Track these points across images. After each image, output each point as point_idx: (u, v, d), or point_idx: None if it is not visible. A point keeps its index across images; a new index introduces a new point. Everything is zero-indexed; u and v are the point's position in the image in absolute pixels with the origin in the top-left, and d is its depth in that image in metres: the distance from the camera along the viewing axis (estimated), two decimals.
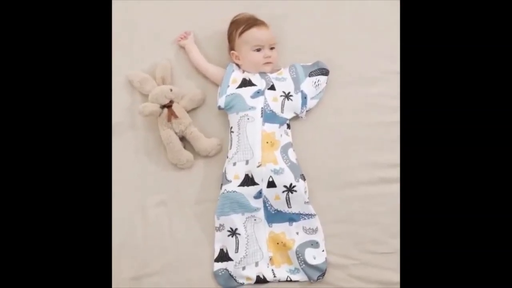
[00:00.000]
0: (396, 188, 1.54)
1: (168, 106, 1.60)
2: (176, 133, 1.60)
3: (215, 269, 1.53)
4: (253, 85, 1.60)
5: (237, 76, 1.62)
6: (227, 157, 1.57)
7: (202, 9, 1.76)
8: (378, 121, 1.63)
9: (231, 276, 1.51)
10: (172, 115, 1.59)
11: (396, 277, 1.49)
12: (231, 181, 1.53)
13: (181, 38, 1.72)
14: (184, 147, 1.62)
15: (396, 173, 1.56)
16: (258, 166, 1.50)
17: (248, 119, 1.55)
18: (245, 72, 1.64)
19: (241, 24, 1.62)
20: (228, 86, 1.60)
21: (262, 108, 1.56)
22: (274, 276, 1.51)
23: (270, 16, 1.68)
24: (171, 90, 1.61)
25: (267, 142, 1.53)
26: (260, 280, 1.51)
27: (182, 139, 1.63)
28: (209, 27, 1.74)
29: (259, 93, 1.58)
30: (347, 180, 1.59)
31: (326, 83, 1.65)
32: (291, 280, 1.51)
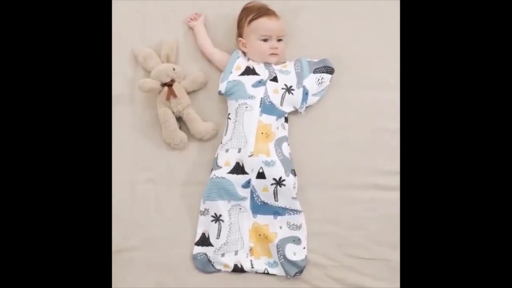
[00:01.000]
0: (388, 195, 1.54)
1: (169, 84, 1.60)
2: (173, 112, 1.60)
3: (195, 252, 1.53)
4: (256, 74, 1.59)
5: (241, 63, 1.61)
6: (221, 143, 1.57)
7: None
8: (378, 127, 1.61)
9: (209, 261, 1.52)
10: (171, 94, 1.59)
11: (374, 283, 1.49)
12: (221, 167, 1.53)
13: (191, 19, 1.71)
14: (180, 128, 1.62)
15: (390, 181, 1.55)
16: (250, 156, 1.50)
17: (246, 107, 1.54)
18: (250, 61, 1.63)
19: (252, 12, 1.61)
20: (231, 72, 1.59)
21: (261, 98, 1.55)
22: (252, 267, 1.51)
23: (283, 7, 1.66)
24: (173, 69, 1.61)
25: (262, 133, 1.53)
26: (238, 269, 1.51)
27: (179, 119, 1.63)
28: (221, 11, 1.72)
29: (260, 83, 1.57)
30: (340, 181, 1.59)
31: (330, 81, 1.63)
32: (268, 273, 1.51)
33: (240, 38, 1.63)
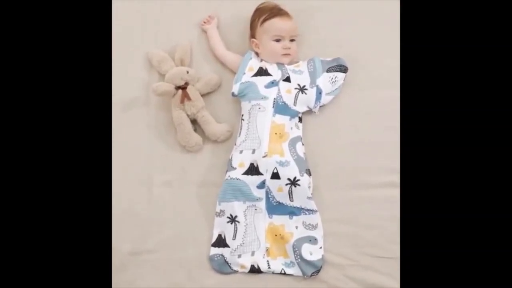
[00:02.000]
0: None
1: (183, 87, 1.61)
2: (187, 115, 1.61)
3: (211, 253, 1.54)
4: (269, 75, 1.59)
5: (254, 64, 1.62)
6: (235, 144, 1.58)
7: None
8: (392, 125, 1.59)
9: (226, 262, 1.52)
10: (185, 97, 1.60)
11: (392, 283, 1.48)
12: (236, 168, 1.53)
13: (204, 22, 1.72)
14: (195, 130, 1.63)
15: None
16: (264, 157, 1.50)
17: (259, 108, 1.55)
18: (263, 61, 1.63)
19: (265, 13, 1.61)
20: (244, 73, 1.60)
21: (274, 99, 1.55)
22: (269, 268, 1.51)
23: (296, 7, 1.66)
24: (187, 72, 1.62)
25: (275, 133, 1.53)
26: (254, 269, 1.51)
27: (193, 122, 1.64)
28: (234, 12, 1.73)
29: (273, 83, 1.57)
30: (355, 181, 1.58)
31: (344, 80, 1.62)
32: (285, 273, 1.51)
33: (253, 39, 1.63)
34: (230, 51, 1.69)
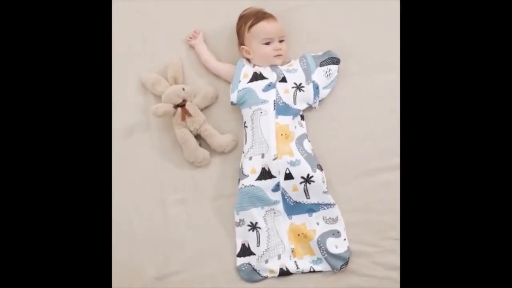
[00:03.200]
0: None
1: (182, 105, 1.61)
2: (191, 131, 1.61)
3: (238, 264, 1.54)
4: (264, 78, 1.60)
5: (248, 70, 1.62)
6: (243, 152, 1.58)
7: (210, 5, 1.76)
8: (393, 107, 1.60)
9: (254, 269, 1.52)
10: (186, 113, 1.60)
11: None
12: (248, 176, 1.53)
13: (191, 38, 1.73)
14: (200, 145, 1.63)
15: None
16: (274, 159, 1.50)
17: (261, 112, 1.55)
18: (256, 66, 1.64)
19: (250, 18, 1.62)
20: (240, 81, 1.61)
21: (274, 101, 1.56)
22: (297, 268, 1.51)
23: (278, 9, 1.67)
24: (183, 89, 1.62)
25: (281, 135, 1.53)
26: (284, 272, 1.51)
27: (197, 137, 1.64)
28: (218, 23, 1.73)
29: (270, 86, 1.58)
30: (364, 169, 1.58)
31: (338, 72, 1.63)
32: (314, 271, 1.51)
33: (242, 46, 1.64)
34: (222, 62, 1.69)
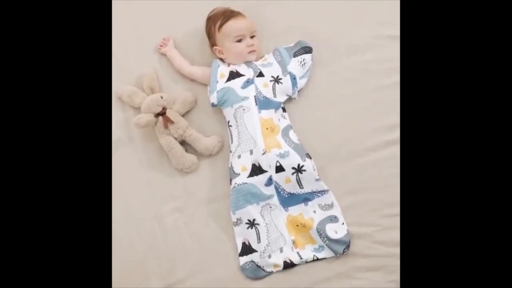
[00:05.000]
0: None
1: (162, 113, 1.61)
2: (175, 138, 1.61)
3: (242, 263, 1.53)
4: (241, 75, 1.60)
5: (224, 70, 1.63)
6: (230, 151, 1.58)
7: (176, 11, 1.76)
8: (374, 86, 1.63)
9: (259, 266, 1.52)
10: (168, 121, 1.59)
11: None
12: (239, 174, 1.53)
13: (161, 46, 1.72)
14: (186, 151, 1.62)
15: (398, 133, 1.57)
16: (263, 154, 1.51)
17: (243, 110, 1.56)
18: (231, 65, 1.64)
19: (219, 18, 1.62)
20: (217, 81, 1.61)
21: (255, 96, 1.56)
22: (301, 258, 1.52)
23: (245, 6, 1.69)
24: (161, 97, 1.61)
25: (267, 129, 1.54)
26: (288, 265, 1.52)
27: (183, 143, 1.64)
28: (187, 27, 1.74)
29: (248, 82, 1.59)
30: (353, 149, 1.60)
31: (312, 60, 1.65)
32: (318, 259, 1.52)
33: (215, 47, 1.64)
34: (196, 66, 1.69)
